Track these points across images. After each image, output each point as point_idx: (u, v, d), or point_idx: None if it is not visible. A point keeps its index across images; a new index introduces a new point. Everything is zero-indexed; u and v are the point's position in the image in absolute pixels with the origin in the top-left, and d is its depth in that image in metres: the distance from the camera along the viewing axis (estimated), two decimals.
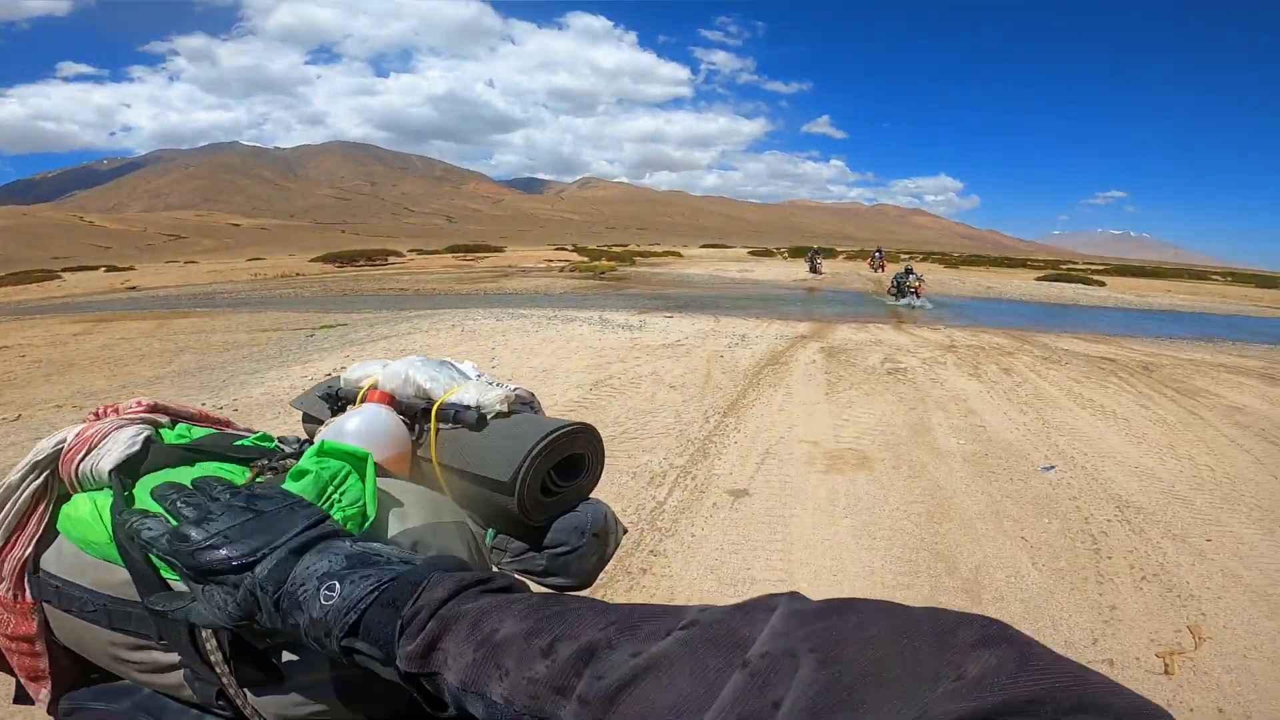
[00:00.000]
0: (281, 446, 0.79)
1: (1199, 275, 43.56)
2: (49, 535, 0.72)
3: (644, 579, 2.83)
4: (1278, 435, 5.09)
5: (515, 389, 1.42)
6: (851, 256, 40.54)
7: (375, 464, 0.81)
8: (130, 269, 31.90)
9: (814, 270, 28.40)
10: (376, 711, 0.68)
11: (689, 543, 3.17)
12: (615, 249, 47.03)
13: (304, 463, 0.68)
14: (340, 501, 0.66)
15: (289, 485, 0.66)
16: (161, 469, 0.72)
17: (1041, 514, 3.51)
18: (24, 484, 0.71)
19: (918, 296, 17.22)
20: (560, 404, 5.52)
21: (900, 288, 17.84)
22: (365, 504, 0.67)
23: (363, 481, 0.69)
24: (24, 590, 0.72)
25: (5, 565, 0.71)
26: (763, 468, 4.20)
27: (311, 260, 34.30)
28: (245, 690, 0.64)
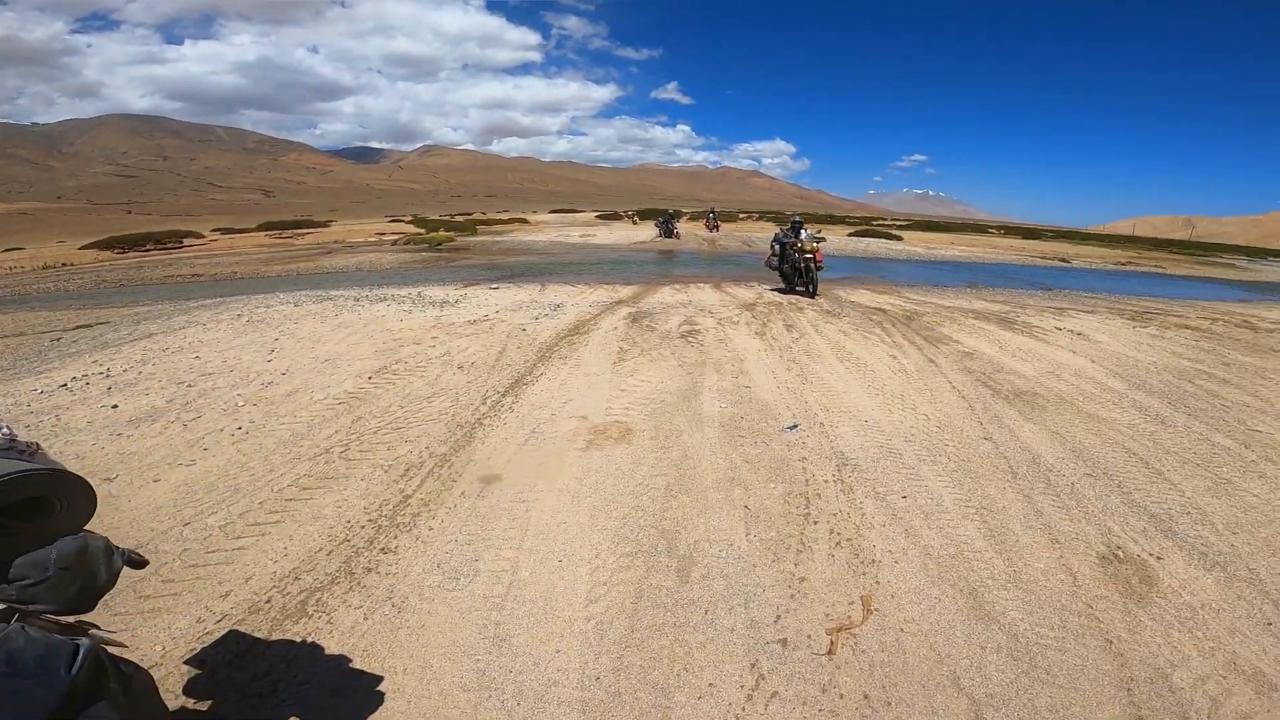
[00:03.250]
0: None
1: (980, 229, 50.70)
2: None
3: (368, 578, 2.72)
4: (994, 377, 5.80)
5: None
6: (694, 218, 42.13)
7: None
8: None
9: (667, 235, 26.85)
10: None
11: (424, 537, 3.06)
12: (458, 218, 44.54)
13: None
14: None
15: None
16: None
17: (771, 478, 3.61)
18: None
19: (817, 266, 10.70)
20: (331, 396, 5.06)
21: (786, 256, 11.09)
22: None
23: None
24: None
25: None
26: (523, 449, 4.06)
27: (83, 247, 28.47)
28: None
